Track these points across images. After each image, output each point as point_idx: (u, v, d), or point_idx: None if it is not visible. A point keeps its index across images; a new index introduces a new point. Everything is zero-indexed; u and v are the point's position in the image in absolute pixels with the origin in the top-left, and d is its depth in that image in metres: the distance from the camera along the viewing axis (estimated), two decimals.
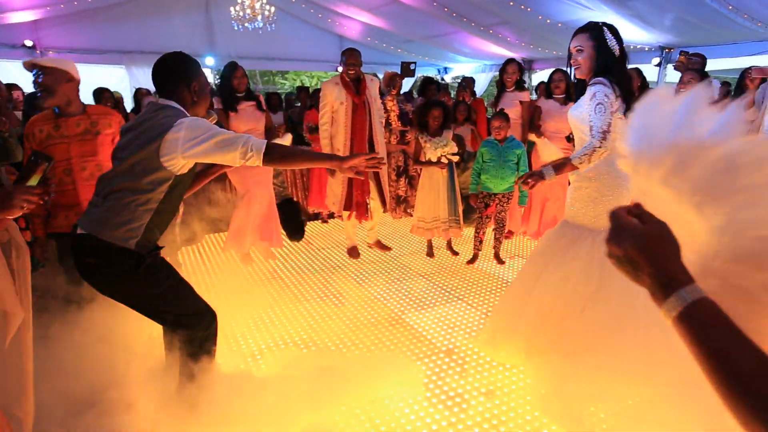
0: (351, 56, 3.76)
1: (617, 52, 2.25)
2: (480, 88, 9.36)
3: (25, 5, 6.66)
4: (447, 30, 8.03)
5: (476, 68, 9.94)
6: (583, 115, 2.26)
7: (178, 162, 1.75)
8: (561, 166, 2.30)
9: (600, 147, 2.18)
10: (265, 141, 1.78)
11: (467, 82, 6.04)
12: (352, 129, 3.75)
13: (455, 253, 4.32)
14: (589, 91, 2.23)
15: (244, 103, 3.76)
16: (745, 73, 4.15)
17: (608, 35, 2.25)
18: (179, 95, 1.86)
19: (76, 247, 1.80)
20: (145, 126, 1.78)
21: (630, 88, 2.30)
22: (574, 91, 4.13)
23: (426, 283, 3.64)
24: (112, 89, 6.04)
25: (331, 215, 5.61)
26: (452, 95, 6.40)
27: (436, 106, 3.93)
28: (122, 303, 1.87)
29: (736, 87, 4.37)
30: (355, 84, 3.77)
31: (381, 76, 5.57)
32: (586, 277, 2.20)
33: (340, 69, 8.54)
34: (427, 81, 6.00)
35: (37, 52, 7.30)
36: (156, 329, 2.07)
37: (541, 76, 9.63)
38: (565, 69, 4.49)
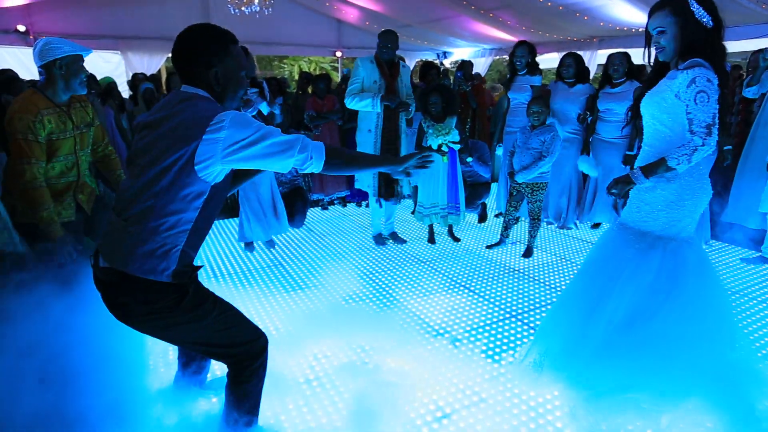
0: (388, 40, 3.69)
1: (710, 23, 1.87)
2: (480, 72, 9.27)
3: None
4: (446, 14, 7.91)
5: (476, 52, 9.82)
6: (666, 103, 1.95)
7: (215, 169, 1.41)
8: (654, 168, 1.97)
9: (704, 145, 1.85)
10: (323, 144, 1.51)
11: (464, 68, 5.86)
12: (384, 113, 3.72)
13: (456, 240, 4.31)
14: (686, 76, 1.87)
15: (249, 90, 3.67)
16: (757, 53, 4.09)
17: (695, 5, 1.86)
18: (206, 81, 1.49)
19: (103, 283, 1.50)
20: (170, 124, 1.41)
21: (722, 67, 1.92)
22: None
23: (427, 269, 3.63)
24: (107, 75, 5.92)
25: (332, 202, 5.59)
26: (450, 81, 6.28)
27: (433, 92, 3.85)
28: (167, 341, 1.62)
29: (748, 67, 4.29)
30: (388, 66, 3.75)
31: None
32: (653, 292, 1.96)
33: (339, 54, 8.53)
34: (428, 66, 5.91)
35: (31, 37, 7.17)
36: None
37: (541, 60, 9.53)
38: (576, 53, 4.45)
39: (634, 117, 2.19)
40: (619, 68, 4.04)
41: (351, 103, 3.72)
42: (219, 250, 4.15)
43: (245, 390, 1.65)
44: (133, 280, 1.43)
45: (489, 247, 4.12)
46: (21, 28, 7.16)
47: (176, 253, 1.46)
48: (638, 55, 4.05)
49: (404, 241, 4.27)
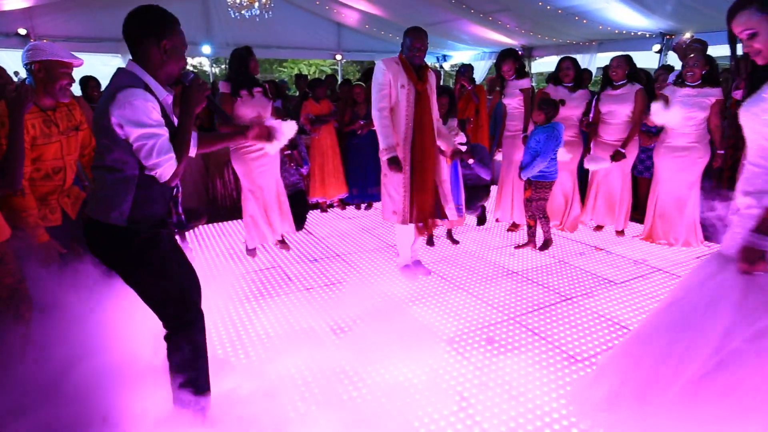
0: (417, 38, 3.09)
1: None
2: (479, 75, 9.29)
3: None
4: (446, 17, 7.95)
5: (475, 56, 9.86)
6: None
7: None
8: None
9: None
10: (175, 167, 1.68)
11: (466, 69, 5.96)
12: (415, 121, 3.14)
13: (455, 242, 4.32)
14: None
15: (254, 89, 3.63)
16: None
17: None
18: (147, 54, 1.69)
19: (84, 228, 1.79)
20: (103, 96, 1.68)
21: None
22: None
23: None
24: (107, 79, 5.90)
25: (331, 205, 5.59)
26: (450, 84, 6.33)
27: (442, 94, 3.87)
28: (127, 283, 1.80)
29: (735, 69, 4.26)
30: (416, 69, 3.17)
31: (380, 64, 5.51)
32: (754, 333, 1.60)
33: (339, 57, 8.37)
34: None
35: (32, 40, 7.19)
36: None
37: (541, 63, 9.57)
38: (572, 57, 4.45)
39: (735, 130, 1.85)
40: (617, 70, 4.07)
41: (377, 120, 3.15)
42: (220, 250, 4.15)
43: (178, 359, 1.82)
44: (96, 223, 1.72)
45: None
46: (22, 31, 7.19)
47: (127, 202, 1.70)
48: (641, 58, 4.12)
49: (428, 272, 3.62)
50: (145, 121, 1.60)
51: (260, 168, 3.71)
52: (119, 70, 1.72)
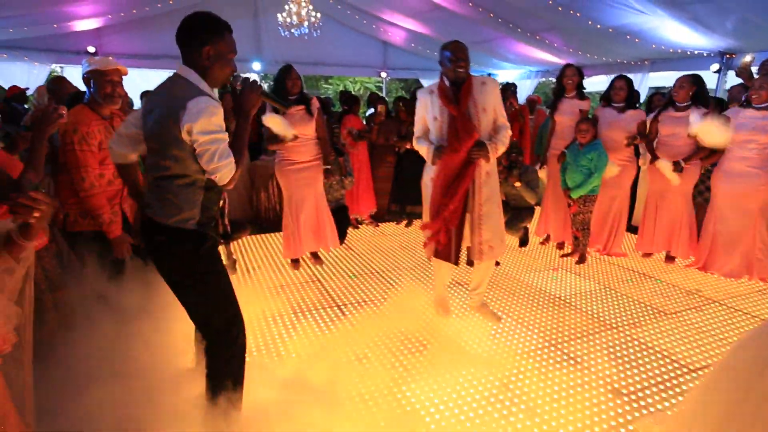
0: (458, 48, 2.73)
1: None
2: (525, 94, 9.18)
3: (89, 14, 7.10)
4: (492, 36, 7.93)
5: (521, 74, 9.76)
6: None
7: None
8: None
9: None
10: (234, 171, 1.72)
11: (514, 88, 5.91)
12: (451, 150, 2.69)
13: (496, 264, 4.23)
14: None
15: (294, 107, 3.67)
16: None
17: None
18: (194, 58, 1.73)
19: (148, 227, 1.81)
20: (163, 109, 1.70)
21: None
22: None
23: (464, 292, 3.57)
24: None
25: (362, 221, 5.58)
26: None
27: None
28: (182, 294, 1.83)
29: None
30: (454, 90, 2.72)
31: (427, 82, 5.58)
32: None
33: (383, 74, 8.45)
34: None
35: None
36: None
37: (589, 83, 9.34)
38: (627, 76, 4.29)
39: None
40: (680, 91, 3.86)
41: (417, 148, 2.93)
42: (262, 262, 4.25)
43: (214, 371, 1.86)
44: (168, 227, 1.76)
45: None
46: (91, 49, 7.75)
47: (197, 206, 1.77)
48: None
49: (499, 319, 3.10)
50: (213, 128, 1.66)
51: (300, 181, 3.82)
52: (176, 77, 1.75)
